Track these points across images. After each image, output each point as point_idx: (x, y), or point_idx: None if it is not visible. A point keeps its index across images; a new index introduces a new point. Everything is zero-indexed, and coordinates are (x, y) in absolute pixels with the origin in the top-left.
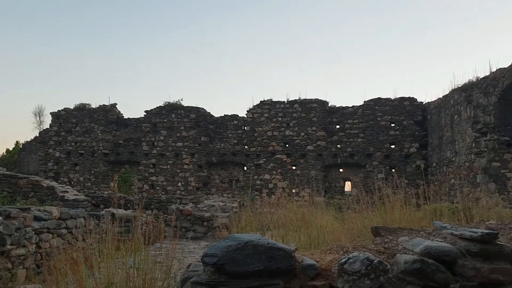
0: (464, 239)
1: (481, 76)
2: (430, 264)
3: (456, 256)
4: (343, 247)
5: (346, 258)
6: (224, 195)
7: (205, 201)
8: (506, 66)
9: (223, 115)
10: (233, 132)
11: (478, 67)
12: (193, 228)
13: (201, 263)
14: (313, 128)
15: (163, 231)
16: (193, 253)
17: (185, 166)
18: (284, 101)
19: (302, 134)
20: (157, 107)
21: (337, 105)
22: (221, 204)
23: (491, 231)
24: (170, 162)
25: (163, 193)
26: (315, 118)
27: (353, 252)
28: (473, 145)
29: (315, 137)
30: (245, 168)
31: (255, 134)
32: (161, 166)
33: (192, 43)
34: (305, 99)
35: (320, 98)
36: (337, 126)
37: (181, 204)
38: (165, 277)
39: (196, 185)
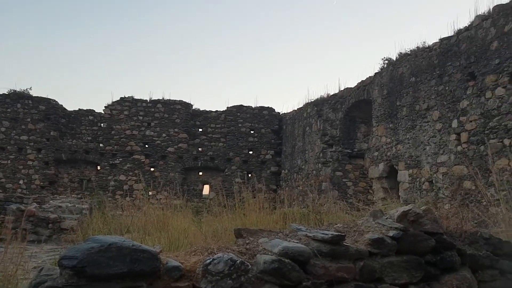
0: (316, 241)
1: (331, 93)
2: (287, 263)
3: (309, 256)
4: (208, 249)
5: (211, 259)
6: (73, 195)
7: (52, 201)
8: (352, 86)
9: (77, 109)
10: (87, 128)
11: (330, 84)
12: (35, 230)
13: (57, 267)
14: (176, 129)
15: None
16: (35, 257)
17: (29, 163)
18: (146, 100)
19: (164, 135)
20: None
21: (201, 109)
22: (70, 205)
23: (339, 233)
24: (12, 157)
25: (0, 191)
26: (178, 119)
27: (217, 253)
28: (321, 155)
29: (177, 139)
30: (98, 167)
31: (113, 132)
32: (0, 161)
33: (57, 27)
34: (169, 99)
35: (184, 100)
36: (200, 130)
37: (22, 204)
38: (5, 285)
39: (41, 183)
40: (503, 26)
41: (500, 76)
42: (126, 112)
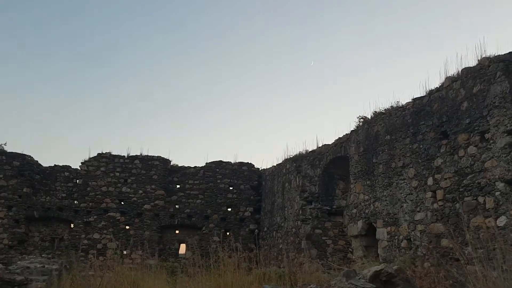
0: None
1: (310, 149)
2: None
3: None
4: None
5: None
6: (43, 255)
7: (19, 262)
8: (330, 142)
9: (53, 165)
10: (62, 184)
11: (308, 141)
12: None
13: None
14: (153, 186)
15: None
16: None
17: None
18: (124, 156)
19: (140, 191)
20: None
21: (180, 165)
22: (39, 266)
23: None
24: None
25: None
26: (156, 176)
27: None
28: (300, 212)
29: (154, 196)
30: (72, 225)
31: (88, 189)
32: None
33: (34, 81)
34: (147, 155)
35: (162, 156)
36: (178, 186)
37: None
38: None
39: (10, 243)
40: (472, 88)
41: (472, 135)
42: (103, 168)
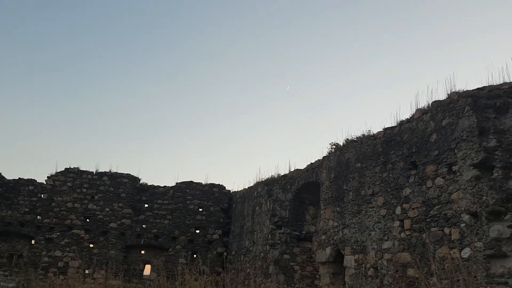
0: None
1: (282, 174)
2: None
3: None
4: None
5: None
6: None
7: None
8: (302, 167)
9: (17, 178)
10: (26, 198)
11: (281, 165)
12: None
13: None
14: (120, 204)
15: None
16: None
17: None
18: (92, 172)
19: (107, 209)
20: None
21: (149, 183)
22: None
23: None
24: None
25: None
26: (124, 194)
27: None
28: (269, 236)
29: (121, 214)
30: (33, 241)
31: (53, 204)
32: None
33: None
34: (116, 172)
35: (132, 174)
36: (146, 205)
37: None
38: None
39: None
40: (441, 121)
41: (440, 166)
42: (69, 184)
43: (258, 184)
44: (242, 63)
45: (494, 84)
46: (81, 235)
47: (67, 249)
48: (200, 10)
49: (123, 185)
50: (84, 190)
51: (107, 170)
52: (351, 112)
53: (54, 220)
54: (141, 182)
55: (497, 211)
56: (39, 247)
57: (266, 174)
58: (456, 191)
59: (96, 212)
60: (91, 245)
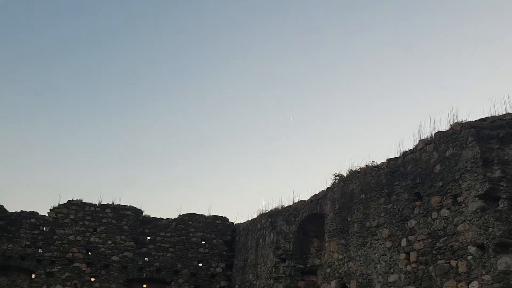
0: None
1: (286, 205)
2: None
3: None
4: None
5: None
6: None
7: None
8: (306, 198)
9: (20, 210)
10: (27, 231)
11: (284, 196)
12: None
13: None
14: (123, 237)
15: None
16: None
17: None
18: (95, 204)
19: (109, 242)
20: None
21: (152, 215)
22: None
23: None
24: None
25: None
26: (127, 226)
27: None
28: (273, 270)
29: (123, 247)
30: (33, 276)
31: (55, 237)
32: None
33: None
34: (119, 204)
35: (135, 206)
36: (148, 238)
37: None
38: None
39: None
40: (445, 151)
41: (444, 198)
42: (72, 216)
43: (261, 216)
44: (245, 95)
45: (497, 114)
46: (83, 269)
47: (68, 283)
48: (206, 45)
49: (125, 217)
50: (87, 222)
51: (110, 202)
52: (354, 143)
53: (55, 253)
54: (143, 214)
55: (504, 243)
56: (39, 281)
57: (269, 206)
58: (462, 223)
59: (98, 245)
60: (93, 279)
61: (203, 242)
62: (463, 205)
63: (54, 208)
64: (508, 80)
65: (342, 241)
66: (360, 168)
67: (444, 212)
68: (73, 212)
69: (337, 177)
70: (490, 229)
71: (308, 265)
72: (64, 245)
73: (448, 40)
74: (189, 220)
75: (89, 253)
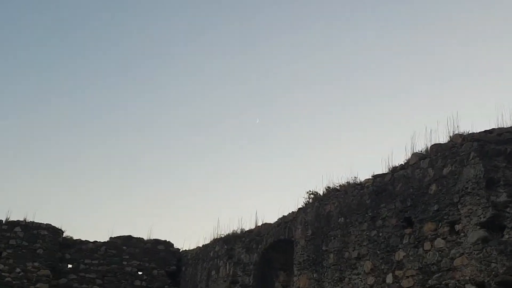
0: None
1: (247, 229)
2: None
3: None
4: None
5: None
6: None
7: None
8: (272, 221)
9: None
10: None
11: (245, 218)
12: None
13: None
14: (36, 263)
15: None
16: None
17: None
18: (1, 220)
19: (18, 270)
20: None
21: (75, 237)
22: None
23: None
24: None
25: None
26: (42, 250)
27: None
28: None
29: (36, 277)
30: None
31: None
32: None
33: None
34: (33, 222)
35: (53, 225)
36: (69, 266)
37: None
38: None
39: None
40: (442, 168)
41: (440, 225)
42: None
43: (215, 241)
44: (207, 92)
45: (505, 126)
46: None
47: None
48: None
49: (41, 239)
50: None
51: (21, 219)
52: (334, 154)
53: None
54: (64, 235)
55: (508, 282)
56: None
57: (226, 229)
58: (459, 256)
59: (3, 274)
60: None
61: (140, 273)
62: (462, 234)
63: None
64: None
65: (315, 275)
66: (340, 186)
67: (439, 242)
68: None
69: (312, 196)
70: (493, 265)
71: None
72: None
73: (447, 40)
74: (123, 245)
75: None
